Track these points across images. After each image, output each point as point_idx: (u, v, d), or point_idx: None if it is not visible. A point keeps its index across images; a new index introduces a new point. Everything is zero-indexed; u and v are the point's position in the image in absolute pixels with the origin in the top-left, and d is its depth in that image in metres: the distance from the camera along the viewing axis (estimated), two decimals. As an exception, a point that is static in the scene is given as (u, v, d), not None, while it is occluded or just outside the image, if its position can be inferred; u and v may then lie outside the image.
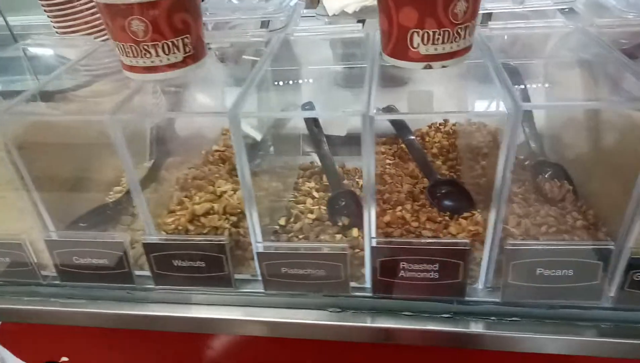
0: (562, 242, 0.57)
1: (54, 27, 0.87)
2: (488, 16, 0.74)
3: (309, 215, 0.66)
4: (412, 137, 0.76)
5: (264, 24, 1.10)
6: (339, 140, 0.79)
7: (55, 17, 0.85)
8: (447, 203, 0.64)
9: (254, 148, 0.63)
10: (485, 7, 0.73)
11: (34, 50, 0.83)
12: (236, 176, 0.58)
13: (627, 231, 0.52)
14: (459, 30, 0.52)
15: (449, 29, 0.52)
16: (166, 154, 0.77)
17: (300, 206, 0.68)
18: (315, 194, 0.70)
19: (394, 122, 0.77)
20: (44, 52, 0.83)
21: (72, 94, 0.73)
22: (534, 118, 0.71)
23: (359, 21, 0.83)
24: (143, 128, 0.78)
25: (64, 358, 0.79)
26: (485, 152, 0.69)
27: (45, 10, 0.85)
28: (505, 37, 0.69)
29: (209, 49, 0.66)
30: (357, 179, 0.73)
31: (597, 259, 0.53)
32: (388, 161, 0.75)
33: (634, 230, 0.51)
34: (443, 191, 0.66)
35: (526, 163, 0.69)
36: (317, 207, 0.67)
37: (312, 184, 0.72)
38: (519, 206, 0.61)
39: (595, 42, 0.61)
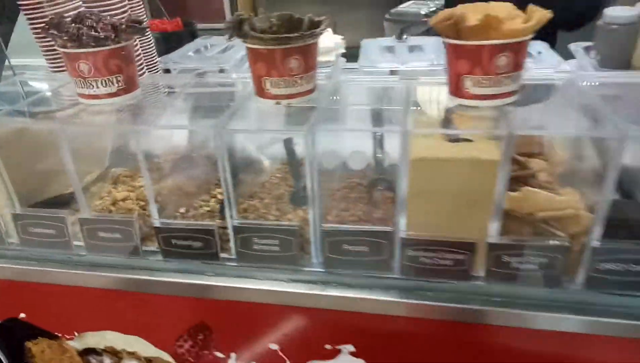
0: (358, 226, 0.79)
1: (49, 66, 1.16)
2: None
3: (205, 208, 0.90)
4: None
5: (222, 70, 1.39)
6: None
7: (49, 59, 1.14)
8: (293, 199, 0.87)
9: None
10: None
11: (29, 82, 1.11)
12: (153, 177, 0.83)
13: (398, 220, 0.75)
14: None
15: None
16: (122, 161, 1.02)
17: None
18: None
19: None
20: (36, 83, 1.12)
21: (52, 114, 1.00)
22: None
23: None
24: (105, 141, 1.05)
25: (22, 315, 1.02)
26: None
27: (43, 54, 1.14)
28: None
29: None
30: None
31: (384, 239, 0.76)
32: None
33: (402, 220, 0.74)
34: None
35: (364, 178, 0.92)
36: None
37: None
38: (339, 202, 0.84)
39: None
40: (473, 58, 0.71)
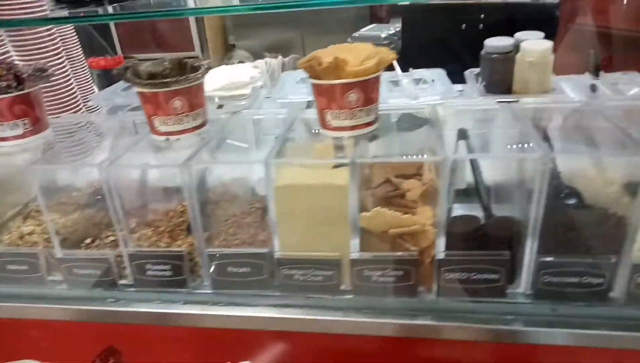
0: (239, 249, 0.86)
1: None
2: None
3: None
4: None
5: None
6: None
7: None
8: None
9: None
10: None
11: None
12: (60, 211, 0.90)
13: (273, 241, 0.82)
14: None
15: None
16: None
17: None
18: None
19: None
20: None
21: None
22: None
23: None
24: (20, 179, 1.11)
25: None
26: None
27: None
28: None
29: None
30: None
31: (262, 260, 0.83)
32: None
33: (276, 241, 0.82)
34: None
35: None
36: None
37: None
38: (230, 227, 0.91)
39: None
40: (329, 95, 0.80)
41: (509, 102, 0.99)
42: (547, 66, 1.07)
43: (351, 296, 0.82)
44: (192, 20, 3.34)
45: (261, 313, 0.84)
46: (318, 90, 0.82)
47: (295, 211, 0.79)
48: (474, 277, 0.77)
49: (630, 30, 1.73)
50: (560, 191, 0.77)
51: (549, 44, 1.05)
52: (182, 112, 0.87)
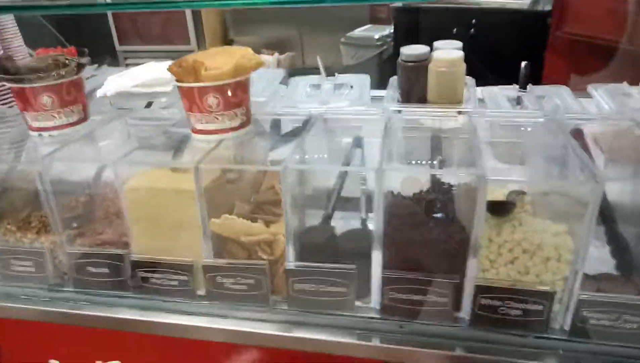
0: (96, 249, 0.85)
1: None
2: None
3: None
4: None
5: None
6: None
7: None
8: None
9: None
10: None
11: None
12: None
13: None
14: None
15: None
16: None
17: None
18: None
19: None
20: None
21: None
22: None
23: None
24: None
25: None
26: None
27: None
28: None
29: None
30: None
31: (119, 262, 0.82)
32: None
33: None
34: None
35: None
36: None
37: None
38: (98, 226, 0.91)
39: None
40: (189, 98, 0.79)
41: (399, 111, 0.98)
42: (457, 76, 1.05)
43: (207, 302, 0.81)
44: (188, 14, 3.33)
45: (119, 314, 0.83)
46: (181, 93, 0.81)
47: (147, 214, 0.78)
48: (322, 289, 0.76)
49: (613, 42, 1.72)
50: (400, 206, 0.76)
51: (459, 54, 1.03)
52: (53, 109, 0.86)
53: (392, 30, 2.53)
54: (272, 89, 1.11)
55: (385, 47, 2.51)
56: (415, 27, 2.29)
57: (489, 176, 0.66)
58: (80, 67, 0.87)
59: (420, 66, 1.10)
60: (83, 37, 2.71)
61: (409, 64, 1.12)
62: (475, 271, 0.71)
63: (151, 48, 3.28)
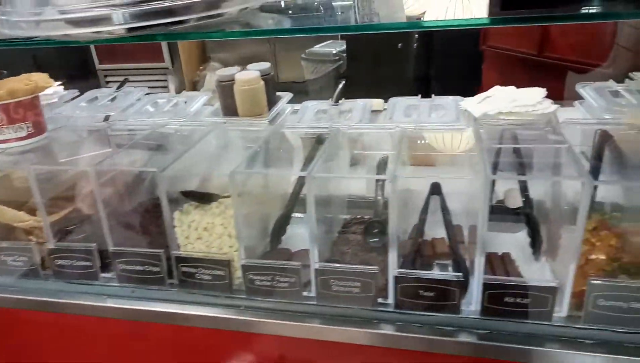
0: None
1: None
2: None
3: None
4: None
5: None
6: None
7: None
8: None
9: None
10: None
11: None
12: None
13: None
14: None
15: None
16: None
17: None
18: None
19: None
20: None
21: None
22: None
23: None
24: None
25: None
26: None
27: None
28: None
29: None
30: None
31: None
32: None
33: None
34: None
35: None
36: None
37: None
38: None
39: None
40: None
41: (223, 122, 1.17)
42: (256, 93, 1.17)
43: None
44: (162, 32, 3.20)
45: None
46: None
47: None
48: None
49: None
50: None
51: (256, 74, 1.15)
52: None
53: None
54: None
55: (341, 61, 2.56)
56: (364, 42, 2.40)
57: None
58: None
59: (230, 85, 1.20)
60: (63, 58, 2.65)
61: (222, 83, 1.22)
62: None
63: (126, 66, 3.21)
